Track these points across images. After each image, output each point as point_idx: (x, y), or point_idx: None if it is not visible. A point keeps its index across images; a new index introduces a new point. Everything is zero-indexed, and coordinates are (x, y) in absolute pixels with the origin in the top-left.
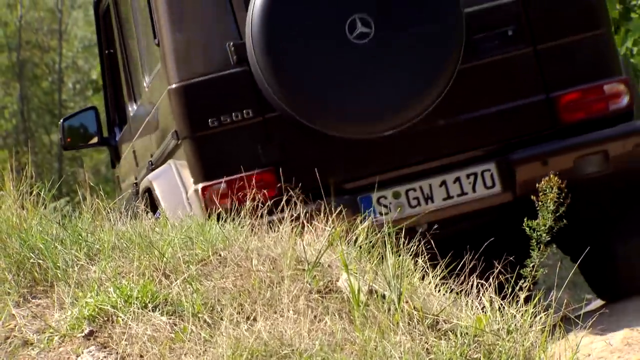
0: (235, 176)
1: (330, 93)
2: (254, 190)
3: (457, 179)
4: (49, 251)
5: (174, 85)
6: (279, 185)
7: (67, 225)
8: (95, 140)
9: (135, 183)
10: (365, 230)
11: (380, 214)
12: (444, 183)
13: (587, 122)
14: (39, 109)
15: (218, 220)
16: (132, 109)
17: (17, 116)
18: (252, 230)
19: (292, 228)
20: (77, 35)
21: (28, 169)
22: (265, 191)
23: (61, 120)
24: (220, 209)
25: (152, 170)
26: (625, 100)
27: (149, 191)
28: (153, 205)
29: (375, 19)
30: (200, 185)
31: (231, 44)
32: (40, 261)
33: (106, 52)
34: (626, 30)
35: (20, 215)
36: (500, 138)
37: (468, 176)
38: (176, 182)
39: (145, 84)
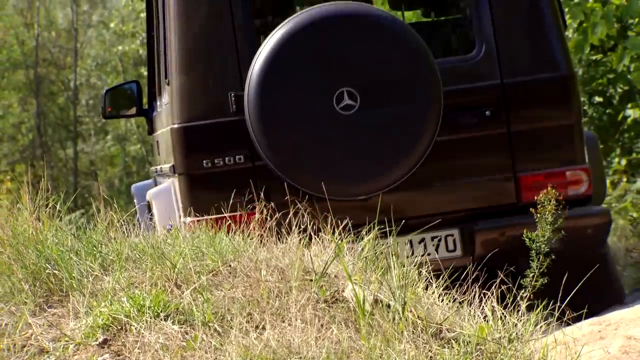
0: (220, 215)
1: (313, 156)
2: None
3: (422, 240)
4: (64, 262)
5: (175, 125)
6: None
7: (82, 237)
8: (133, 111)
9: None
10: (371, 241)
11: None
12: (410, 242)
13: (547, 204)
14: (54, 124)
15: (228, 232)
16: (160, 101)
17: (34, 131)
18: (261, 241)
19: (300, 240)
20: (91, 54)
21: (44, 182)
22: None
23: (104, 91)
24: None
25: (157, 178)
26: (584, 187)
27: (149, 205)
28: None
29: (360, 93)
30: (187, 220)
31: (233, 94)
32: (56, 272)
33: (151, 33)
34: (623, 48)
35: (37, 227)
36: (466, 207)
37: (432, 239)
38: (172, 206)
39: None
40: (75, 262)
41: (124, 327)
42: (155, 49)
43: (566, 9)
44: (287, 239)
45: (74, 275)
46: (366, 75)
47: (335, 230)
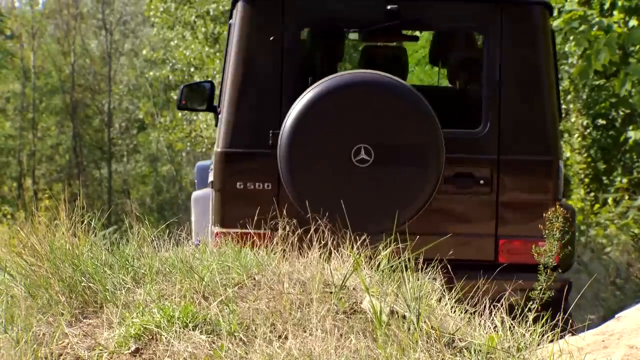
0: (245, 230)
1: (329, 196)
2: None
3: None
4: (98, 275)
5: (219, 150)
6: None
7: (115, 252)
8: (204, 107)
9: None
10: (387, 255)
11: None
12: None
13: (521, 265)
14: (89, 145)
15: (252, 247)
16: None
17: (70, 152)
18: (284, 256)
19: (320, 254)
20: (123, 80)
21: (80, 200)
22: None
23: (181, 86)
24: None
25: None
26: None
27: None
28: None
29: (374, 150)
30: (216, 229)
31: (272, 132)
32: (91, 284)
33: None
34: (625, 74)
35: (73, 242)
36: (449, 257)
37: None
38: (208, 212)
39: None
40: (109, 275)
41: (154, 337)
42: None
43: (571, 37)
44: (308, 253)
45: (107, 287)
46: (381, 136)
47: (354, 245)
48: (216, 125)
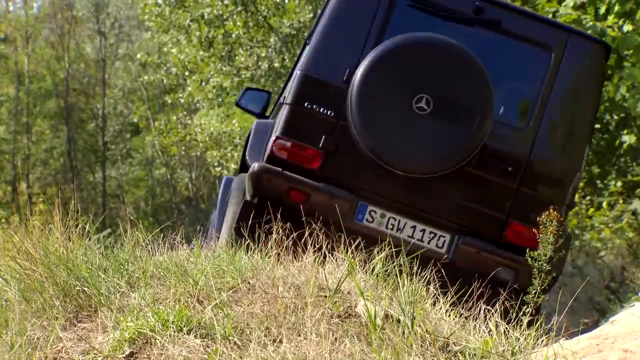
0: (298, 142)
1: (396, 143)
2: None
3: (423, 230)
4: (93, 279)
5: (299, 71)
6: (320, 164)
7: (110, 256)
8: (258, 112)
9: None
10: (382, 259)
11: (366, 220)
12: (414, 227)
13: (521, 247)
14: (84, 149)
15: (247, 251)
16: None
17: (65, 156)
18: (278, 260)
19: (315, 258)
20: (118, 84)
21: (74, 204)
22: (309, 164)
23: (245, 88)
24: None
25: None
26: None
27: (251, 132)
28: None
29: (434, 100)
30: (275, 135)
31: (348, 70)
32: (85, 288)
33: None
34: (619, 78)
35: (67, 246)
36: (463, 223)
37: (430, 232)
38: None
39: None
40: (103, 279)
41: (149, 341)
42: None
43: None
44: (303, 256)
45: (102, 291)
46: (440, 89)
47: (348, 249)
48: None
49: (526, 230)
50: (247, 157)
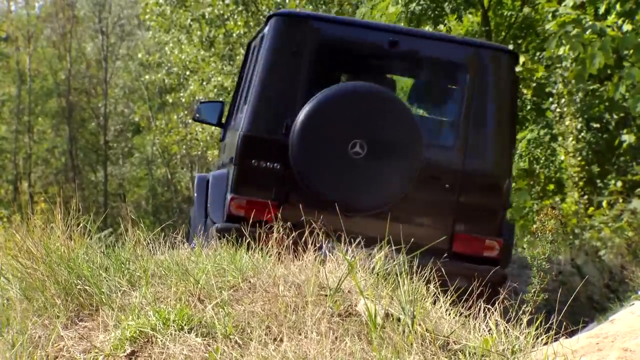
0: (253, 198)
1: (337, 186)
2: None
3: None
4: (94, 278)
5: (242, 133)
6: (275, 214)
7: (111, 255)
8: (215, 121)
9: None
10: (382, 259)
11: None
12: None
13: (468, 256)
14: (85, 148)
15: (248, 250)
16: (233, 121)
17: (66, 155)
18: (279, 259)
19: (315, 257)
20: (119, 83)
21: (75, 203)
22: (266, 216)
23: (199, 102)
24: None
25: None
26: (496, 252)
27: (207, 182)
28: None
29: (367, 145)
30: (230, 195)
31: (286, 123)
32: (87, 287)
33: (242, 74)
34: (619, 78)
35: (68, 245)
36: (415, 239)
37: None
38: (224, 185)
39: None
40: (104, 278)
41: (150, 340)
42: (241, 86)
43: (564, 40)
44: (303, 255)
45: (103, 290)
46: (374, 136)
47: (349, 248)
48: (221, 141)
49: (470, 239)
50: (209, 212)
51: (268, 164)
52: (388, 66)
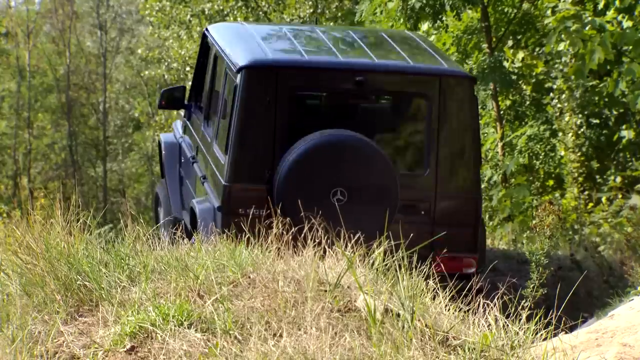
0: None
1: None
2: None
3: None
4: (94, 274)
5: (226, 183)
6: None
7: (111, 250)
8: (179, 106)
9: (193, 156)
10: (382, 254)
11: None
12: None
13: (448, 274)
14: (85, 144)
15: (247, 245)
16: (205, 119)
17: (66, 151)
18: (278, 254)
19: (315, 253)
20: (119, 78)
21: (75, 198)
22: None
23: (162, 90)
24: None
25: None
26: (473, 269)
27: (192, 212)
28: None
29: (348, 192)
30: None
31: (268, 171)
32: (86, 283)
33: (199, 64)
34: (618, 73)
35: (68, 241)
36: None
37: None
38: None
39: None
40: (104, 273)
41: (150, 335)
42: (203, 75)
43: (563, 36)
44: (302, 252)
45: (103, 286)
46: (355, 184)
47: (348, 244)
48: (187, 119)
49: (449, 259)
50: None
51: (254, 210)
52: (356, 105)
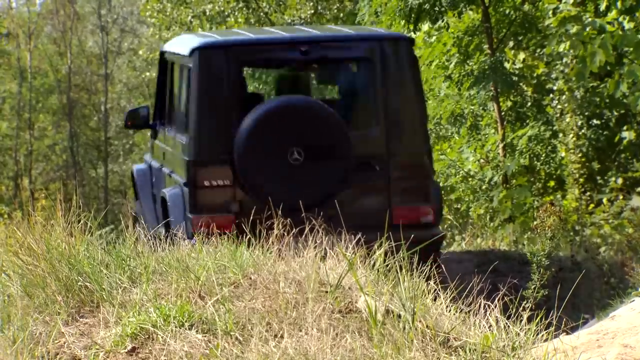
0: (211, 215)
1: (282, 191)
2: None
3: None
4: (95, 275)
5: (190, 159)
6: (235, 225)
7: (112, 251)
8: (144, 126)
9: (161, 165)
10: (382, 255)
11: None
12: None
13: (408, 225)
14: (86, 145)
15: (248, 246)
16: (167, 125)
17: (67, 152)
18: (279, 255)
19: (316, 254)
20: (122, 79)
21: (76, 199)
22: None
23: (127, 111)
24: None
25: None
26: (430, 217)
27: (163, 200)
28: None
29: (304, 152)
30: (191, 215)
31: (227, 141)
32: (87, 284)
33: (161, 79)
34: (619, 75)
35: (69, 242)
36: (363, 225)
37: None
38: (182, 203)
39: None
40: (105, 274)
41: (151, 336)
42: (165, 93)
43: (563, 37)
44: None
45: (104, 287)
46: (310, 142)
47: (349, 245)
48: (152, 139)
49: (407, 210)
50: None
51: (219, 181)
52: (303, 73)
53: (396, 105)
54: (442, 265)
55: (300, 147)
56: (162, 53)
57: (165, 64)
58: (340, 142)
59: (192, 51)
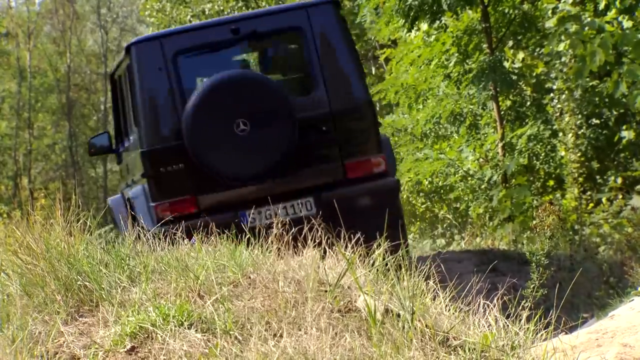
0: (172, 199)
1: (231, 163)
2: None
3: (292, 205)
4: (94, 274)
5: (144, 149)
6: (197, 205)
7: (111, 251)
8: (108, 150)
9: (127, 184)
10: (382, 254)
11: (250, 222)
12: (285, 207)
13: (362, 178)
14: (85, 144)
15: (247, 246)
16: (126, 142)
17: (66, 151)
18: (279, 254)
19: (315, 253)
20: None
21: (75, 199)
22: (190, 209)
23: (89, 139)
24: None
25: (127, 190)
26: (382, 167)
27: (129, 200)
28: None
29: (249, 122)
30: (152, 204)
31: (176, 126)
32: (87, 283)
33: (116, 104)
34: (619, 74)
35: (68, 241)
36: (316, 184)
37: (298, 204)
38: (145, 197)
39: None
40: (104, 274)
41: (150, 335)
42: (119, 113)
43: (563, 37)
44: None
45: (103, 286)
46: (252, 111)
47: (348, 244)
48: (118, 164)
49: (359, 163)
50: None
51: (174, 166)
52: (238, 51)
53: (332, 65)
54: (442, 265)
55: (244, 118)
56: (112, 75)
57: (114, 84)
58: (281, 107)
59: (129, 48)
